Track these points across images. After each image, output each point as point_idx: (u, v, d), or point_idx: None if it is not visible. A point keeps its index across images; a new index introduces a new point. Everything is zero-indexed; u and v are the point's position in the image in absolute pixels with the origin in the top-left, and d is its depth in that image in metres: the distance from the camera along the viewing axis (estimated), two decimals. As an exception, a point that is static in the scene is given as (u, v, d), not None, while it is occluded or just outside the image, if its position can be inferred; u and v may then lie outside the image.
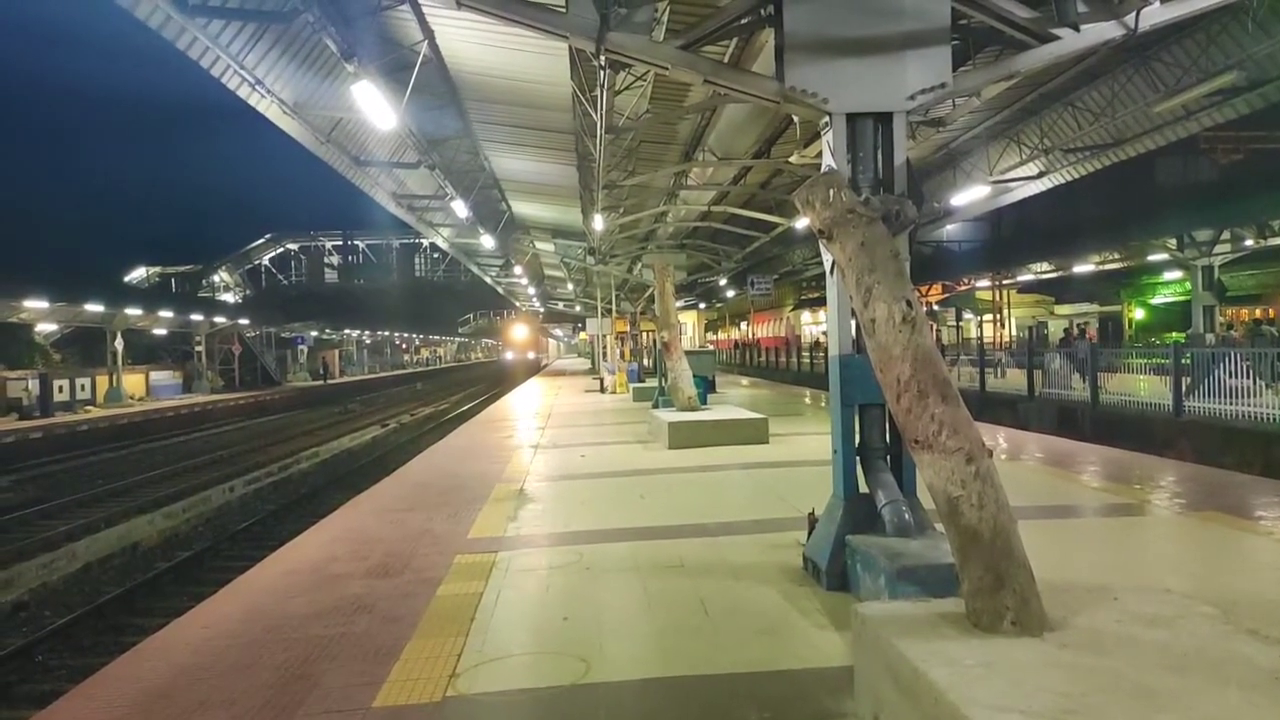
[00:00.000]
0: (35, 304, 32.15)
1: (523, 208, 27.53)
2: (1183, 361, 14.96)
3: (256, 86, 14.31)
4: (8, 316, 31.67)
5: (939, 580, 4.59)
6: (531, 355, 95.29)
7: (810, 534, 6.26)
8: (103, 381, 35.92)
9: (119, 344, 36.79)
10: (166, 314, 42.30)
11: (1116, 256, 34.48)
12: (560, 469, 11.90)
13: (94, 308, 35.28)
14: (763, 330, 63.32)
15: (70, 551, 12.68)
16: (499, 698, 4.29)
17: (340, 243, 63.81)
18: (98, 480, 19.41)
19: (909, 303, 3.88)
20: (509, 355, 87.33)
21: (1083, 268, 36.45)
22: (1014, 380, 21.19)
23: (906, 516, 5.57)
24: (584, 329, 52.52)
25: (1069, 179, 23.18)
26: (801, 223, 18.86)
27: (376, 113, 12.36)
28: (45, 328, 39.93)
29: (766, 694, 4.17)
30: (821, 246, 4.74)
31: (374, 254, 63.79)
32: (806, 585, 5.85)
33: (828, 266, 5.89)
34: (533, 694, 4.31)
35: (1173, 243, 28.92)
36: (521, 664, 4.73)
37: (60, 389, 32.39)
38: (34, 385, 31.34)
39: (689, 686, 4.32)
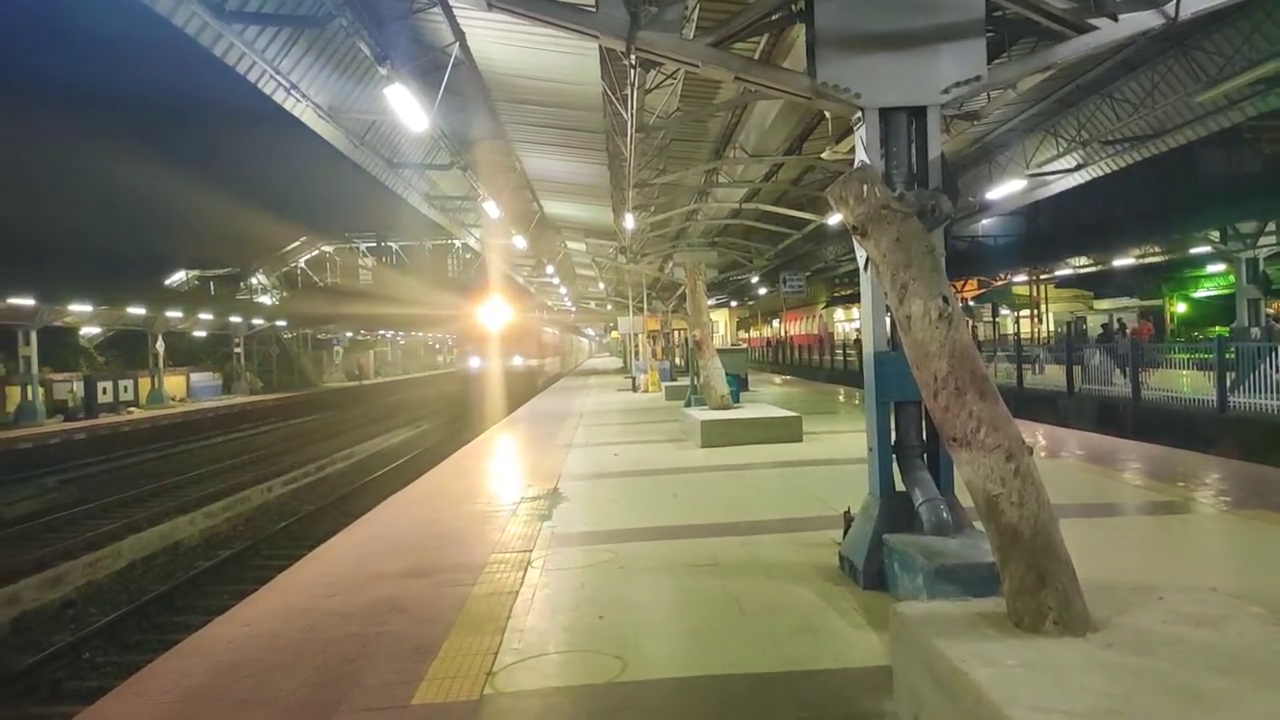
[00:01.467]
0: (79, 307, 32.94)
1: (554, 207, 27.61)
2: (1227, 356, 14.66)
3: (291, 91, 14.49)
4: (53, 320, 32.46)
5: (978, 579, 4.54)
6: (523, 362, 46.83)
7: (846, 533, 6.21)
8: (145, 383, 36.71)
9: (160, 346, 37.54)
10: (206, 316, 43.12)
11: (1157, 250, 33.81)
12: (593, 467, 11.92)
13: (136, 311, 36.10)
14: (795, 328, 63.00)
15: (115, 550, 12.96)
16: (536, 696, 4.31)
17: (374, 244, 64.45)
18: (141, 480, 19.80)
19: (945, 298, 3.84)
20: (475, 363, 44.46)
21: (1122, 262, 35.81)
22: (1052, 376, 20.91)
23: (944, 515, 5.51)
24: (615, 328, 52.33)
25: (1107, 171, 22.77)
26: (834, 219, 18.73)
27: (409, 115, 12.46)
28: (89, 331, 40.84)
29: (803, 693, 4.14)
30: (855, 243, 4.70)
31: (407, 255, 64.36)
32: (843, 584, 5.81)
33: (862, 263, 5.84)
34: (569, 692, 4.32)
35: (1215, 235, 28.28)
36: (558, 662, 4.75)
37: (104, 391, 33.18)
38: (79, 387, 32.16)
39: (725, 685, 4.30)
